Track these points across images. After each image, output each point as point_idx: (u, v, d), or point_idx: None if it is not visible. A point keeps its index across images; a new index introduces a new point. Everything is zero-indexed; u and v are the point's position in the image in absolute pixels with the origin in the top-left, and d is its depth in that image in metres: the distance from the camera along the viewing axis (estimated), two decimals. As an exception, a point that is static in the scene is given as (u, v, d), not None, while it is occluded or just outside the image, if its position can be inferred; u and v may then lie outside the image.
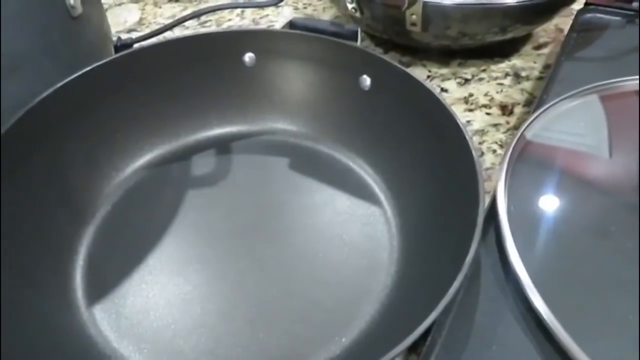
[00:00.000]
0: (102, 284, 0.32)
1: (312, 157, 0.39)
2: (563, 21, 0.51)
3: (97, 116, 0.37)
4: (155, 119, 0.39)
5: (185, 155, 0.40)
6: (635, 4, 0.45)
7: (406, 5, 0.40)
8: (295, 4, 0.57)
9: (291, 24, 0.39)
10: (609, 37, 0.44)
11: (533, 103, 0.43)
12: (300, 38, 0.38)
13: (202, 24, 0.55)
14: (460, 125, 0.30)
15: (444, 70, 0.47)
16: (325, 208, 0.36)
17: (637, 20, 0.44)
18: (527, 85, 0.45)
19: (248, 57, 0.39)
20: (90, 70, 0.35)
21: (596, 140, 0.35)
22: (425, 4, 0.40)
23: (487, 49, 0.47)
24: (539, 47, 0.49)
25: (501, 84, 0.45)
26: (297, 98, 0.41)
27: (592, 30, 0.45)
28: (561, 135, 0.35)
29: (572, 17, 0.47)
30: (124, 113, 0.38)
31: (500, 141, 0.40)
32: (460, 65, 0.48)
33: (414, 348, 0.27)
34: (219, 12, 0.56)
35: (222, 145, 0.40)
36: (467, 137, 0.30)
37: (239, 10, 0.56)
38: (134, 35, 0.52)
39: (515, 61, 0.48)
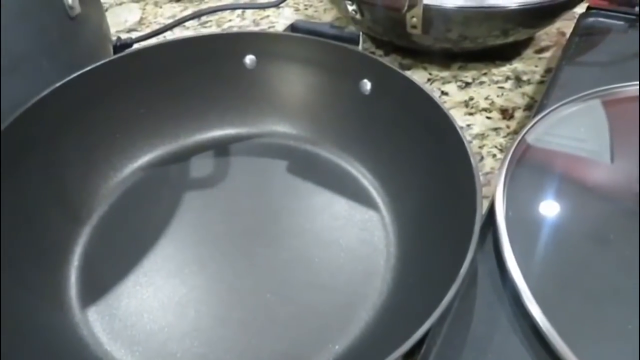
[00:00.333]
0: (97, 285, 0.32)
1: (311, 161, 0.39)
2: (565, 25, 0.50)
3: (96, 116, 0.36)
4: (155, 119, 0.39)
5: (183, 156, 0.40)
6: (637, 9, 0.44)
7: (406, 8, 0.40)
8: (296, 5, 0.57)
9: (292, 27, 0.39)
10: (612, 42, 0.43)
11: (534, 107, 0.42)
12: (301, 41, 0.38)
13: (202, 25, 0.55)
14: (459, 130, 0.30)
15: (445, 73, 0.47)
16: (323, 212, 0.35)
17: (637, 24, 0.44)
18: (528, 89, 0.45)
19: (249, 59, 0.39)
20: (89, 70, 0.35)
21: (597, 146, 0.35)
22: (425, 7, 0.40)
23: (489, 52, 0.47)
24: (540, 50, 0.49)
25: (502, 88, 0.45)
26: (297, 101, 0.40)
27: (594, 34, 0.45)
28: (562, 140, 0.35)
29: (574, 20, 0.46)
30: (123, 113, 0.38)
31: (501, 145, 0.40)
32: (461, 68, 0.47)
33: (409, 355, 0.27)
34: (219, 12, 0.55)
35: (221, 147, 0.40)
36: (465, 142, 0.29)
37: (239, 11, 0.56)
38: (134, 35, 0.52)
39: (517, 65, 0.48)
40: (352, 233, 0.34)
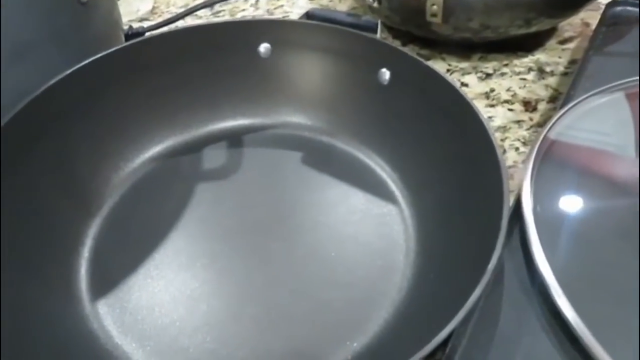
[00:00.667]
0: (107, 277, 0.31)
1: (327, 153, 0.38)
2: (589, 15, 0.49)
3: (106, 106, 0.36)
4: (166, 109, 0.38)
5: (196, 147, 0.39)
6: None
7: (427, -5, 0.39)
8: (311, -5, 0.56)
9: (308, 15, 0.38)
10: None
11: (558, 99, 0.41)
12: (317, 29, 0.37)
13: (215, 14, 0.54)
14: (484, 121, 0.29)
15: (464, 64, 0.46)
16: (339, 206, 0.34)
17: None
18: (551, 80, 0.43)
19: (263, 47, 0.38)
20: (99, 58, 0.34)
21: (625, 139, 0.34)
22: (447, -6, 0.39)
23: (510, 43, 0.46)
24: (564, 41, 0.48)
25: (524, 79, 0.44)
26: (313, 91, 0.39)
27: (622, 24, 0.43)
28: (589, 134, 0.34)
29: (600, 11, 0.45)
30: (134, 103, 0.37)
31: (523, 138, 0.39)
32: (481, 59, 0.46)
33: (430, 356, 0.26)
34: (232, 1, 0.54)
35: (234, 138, 0.39)
36: (490, 134, 0.28)
37: (253, 1, 0.55)
38: (146, 24, 0.51)
39: (539, 56, 0.46)
40: (370, 227, 0.33)
